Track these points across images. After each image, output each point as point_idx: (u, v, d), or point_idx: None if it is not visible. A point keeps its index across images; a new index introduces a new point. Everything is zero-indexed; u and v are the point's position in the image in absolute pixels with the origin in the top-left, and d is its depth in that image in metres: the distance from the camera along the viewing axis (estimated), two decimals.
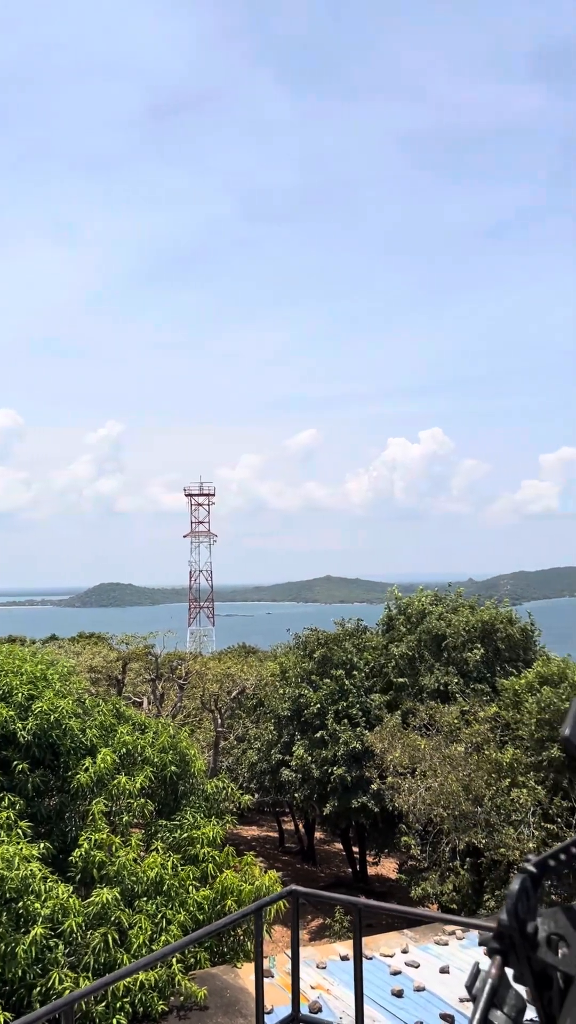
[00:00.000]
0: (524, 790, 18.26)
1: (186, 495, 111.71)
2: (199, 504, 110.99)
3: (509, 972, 1.18)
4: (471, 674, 24.10)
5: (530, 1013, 1.21)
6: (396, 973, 12.23)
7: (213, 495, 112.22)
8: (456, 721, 21.22)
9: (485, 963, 1.19)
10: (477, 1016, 1.10)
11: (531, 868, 1.13)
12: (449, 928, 13.75)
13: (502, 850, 17.70)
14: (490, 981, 1.12)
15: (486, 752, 19.40)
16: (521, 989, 1.18)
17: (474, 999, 1.14)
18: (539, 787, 18.23)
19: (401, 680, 25.17)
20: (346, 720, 24.43)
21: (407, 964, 12.47)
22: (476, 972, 1.18)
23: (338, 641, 27.06)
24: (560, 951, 1.13)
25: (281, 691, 26.65)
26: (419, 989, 11.73)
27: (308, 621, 30.42)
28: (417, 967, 12.40)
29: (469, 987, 1.19)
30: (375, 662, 26.41)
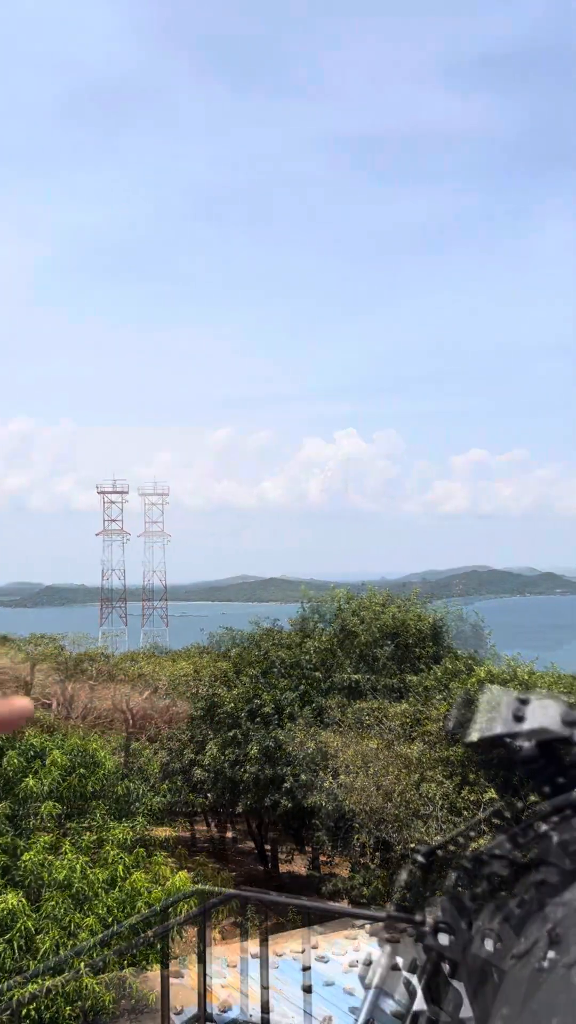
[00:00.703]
0: (433, 784, 18.64)
1: (98, 492, 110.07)
2: (112, 502, 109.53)
3: (401, 960, 1.20)
4: (381, 671, 24.49)
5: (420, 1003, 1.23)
6: (306, 969, 12.32)
7: (127, 492, 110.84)
8: (368, 718, 21.51)
9: (377, 953, 1.21)
10: (366, 1005, 1.11)
11: (419, 858, 1.16)
12: (359, 922, 13.93)
13: (412, 844, 18.03)
14: (379, 971, 1.13)
15: (396, 748, 19.73)
16: (413, 978, 1.20)
17: (366, 988, 1.16)
18: (447, 781, 18.64)
19: (316, 675, 25.41)
20: (259, 718, 24.47)
21: (317, 959, 12.59)
22: (368, 962, 1.19)
23: (254, 640, 27.13)
24: (448, 939, 1.15)
25: (194, 690, 26.54)
26: (329, 984, 11.85)
27: (226, 621, 30.73)
28: (326, 962, 12.53)
29: (362, 977, 1.21)
30: (290, 660, 26.58)
